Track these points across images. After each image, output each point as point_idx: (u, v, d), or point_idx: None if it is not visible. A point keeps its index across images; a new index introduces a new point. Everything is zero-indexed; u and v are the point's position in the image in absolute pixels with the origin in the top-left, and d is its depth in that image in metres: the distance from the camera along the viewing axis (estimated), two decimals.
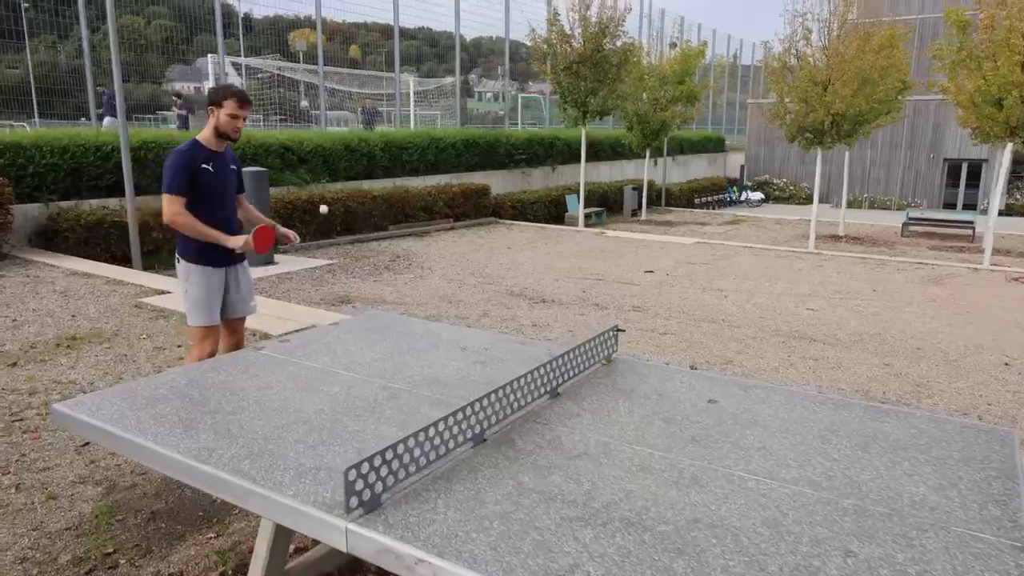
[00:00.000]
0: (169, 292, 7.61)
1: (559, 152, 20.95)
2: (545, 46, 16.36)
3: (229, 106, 3.88)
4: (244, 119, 3.96)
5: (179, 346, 5.81)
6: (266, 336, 6.12)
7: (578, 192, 19.96)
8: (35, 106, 19.65)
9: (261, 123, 21.51)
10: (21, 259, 9.06)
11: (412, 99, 22.84)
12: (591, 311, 8.53)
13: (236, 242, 3.94)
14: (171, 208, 3.85)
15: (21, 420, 4.29)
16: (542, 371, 2.55)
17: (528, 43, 17.02)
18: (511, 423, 2.38)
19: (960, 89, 12.35)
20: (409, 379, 2.81)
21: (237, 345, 4.23)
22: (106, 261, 9.70)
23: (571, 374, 2.78)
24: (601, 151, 23.20)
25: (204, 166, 3.89)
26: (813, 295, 9.81)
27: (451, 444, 2.12)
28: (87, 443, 4.03)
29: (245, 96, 3.94)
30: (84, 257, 9.66)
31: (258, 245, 4.00)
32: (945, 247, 16.98)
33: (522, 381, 2.44)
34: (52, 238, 9.82)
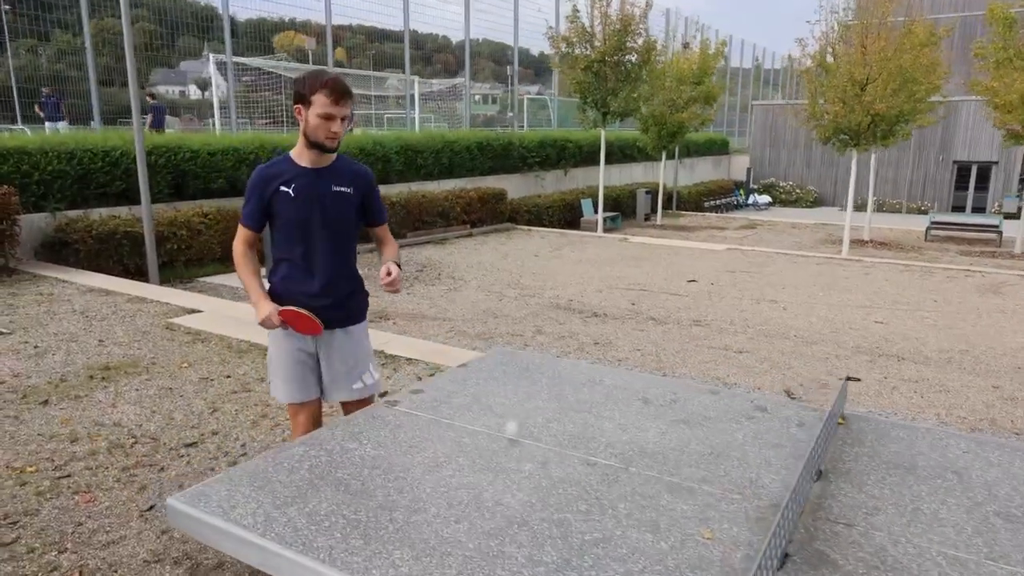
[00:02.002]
0: (200, 311, 6.94)
1: (571, 155, 20.37)
2: (564, 45, 15.76)
3: (319, 103, 2.68)
4: (344, 120, 2.75)
5: (227, 376, 5.16)
6: None
7: (591, 196, 19.40)
8: (17, 109, 19.02)
9: (248, 126, 20.27)
10: (29, 274, 8.35)
11: (417, 101, 22.15)
12: (649, 326, 7.94)
13: (260, 312, 2.79)
14: (235, 241, 2.92)
15: (68, 476, 3.63)
16: (816, 450, 1.95)
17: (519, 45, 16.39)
18: (802, 524, 1.78)
19: (1008, 88, 11.86)
20: (612, 449, 2.20)
21: None
22: (118, 275, 9.00)
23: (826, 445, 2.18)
24: (610, 153, 22.61)
25: (283, 189, 2.79)
26: (873, 306, 9.26)
27: (767, 574, 1.51)
28: (152, 506, 3.38)
29: (340, 86, 2.71)
30: (95, 270, 8.95)
31: (295, 325, 2.84)
32: (974, 252, 16.52)
33: (806, 466, 1.84)
34: (60, 250, 9.11)
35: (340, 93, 2.73)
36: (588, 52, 15.50)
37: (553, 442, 2.26)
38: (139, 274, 9.30)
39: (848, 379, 2.42)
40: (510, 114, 22.14)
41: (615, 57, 15.38)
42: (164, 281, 9.22)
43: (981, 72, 12.81)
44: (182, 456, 3.90)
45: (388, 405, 2.58)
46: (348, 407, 3.01)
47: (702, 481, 2.00)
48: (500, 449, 2.21)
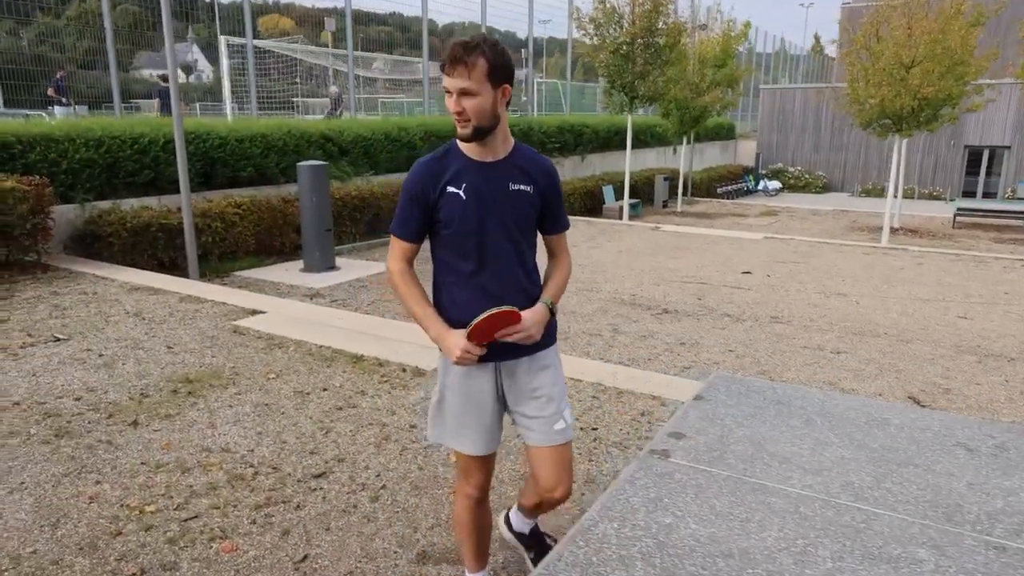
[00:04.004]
0: (263, 312, 6.43)
1: (587, 140, 19.89)
2: (592, 26, 15.23)
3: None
4: (457, 93, 2.08)
5: (324, 389, 4.68)
6: (419, 372, 5.01)
7: (611, 182, 18.98)
8: (0, 93, 18.36)
9: (237, 111, 19.24)
10: (64, 270, 7.79)
11: (427, 83, 21.50)
12: (727, 323, 7.53)
13: (450, 349, 2.20)
14: (389, 259, 2.34)
15: (195, 518, 3.16)
16: None
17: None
18: None
19: None
20: (1000, 523, 1.76)
21: (555, 495, 2.14)
22: (152, 269, 8.47)
23: None
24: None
25: (451, 189, 2.20)
26: (946, 300, 8.90)
27: None
28: (306, 556, 2.92)
29: (451, 50, 2.08)
30: (129, 265, 8.41)
31: (481, 339, 2.19)
32: (1007, 240, 16.28)
33: None
34: (92, 244, 8.54)
35: (448, 59, 2.08)
36: (617, 34, 14.98)
37: (914, 512, 1.82)
38: (173, 268, 8.77)
39: None
40: (524, 98, 21.58)
41: (644, 39, 14.87)
42: (200, 276, 8.69)
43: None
44: (314, 490, 3.43)
45: (659, 456, 2.12)
46: (540, 456, 2.28)
47: None
48: (857, 524, 1.76)
